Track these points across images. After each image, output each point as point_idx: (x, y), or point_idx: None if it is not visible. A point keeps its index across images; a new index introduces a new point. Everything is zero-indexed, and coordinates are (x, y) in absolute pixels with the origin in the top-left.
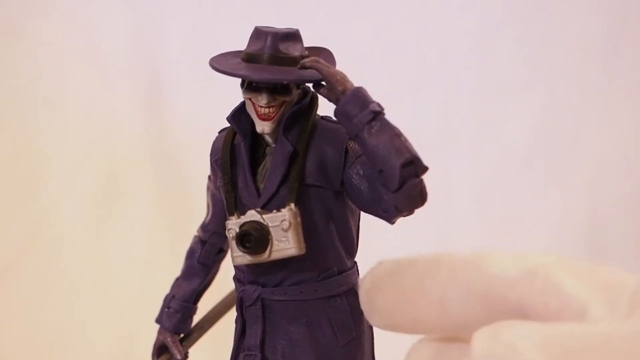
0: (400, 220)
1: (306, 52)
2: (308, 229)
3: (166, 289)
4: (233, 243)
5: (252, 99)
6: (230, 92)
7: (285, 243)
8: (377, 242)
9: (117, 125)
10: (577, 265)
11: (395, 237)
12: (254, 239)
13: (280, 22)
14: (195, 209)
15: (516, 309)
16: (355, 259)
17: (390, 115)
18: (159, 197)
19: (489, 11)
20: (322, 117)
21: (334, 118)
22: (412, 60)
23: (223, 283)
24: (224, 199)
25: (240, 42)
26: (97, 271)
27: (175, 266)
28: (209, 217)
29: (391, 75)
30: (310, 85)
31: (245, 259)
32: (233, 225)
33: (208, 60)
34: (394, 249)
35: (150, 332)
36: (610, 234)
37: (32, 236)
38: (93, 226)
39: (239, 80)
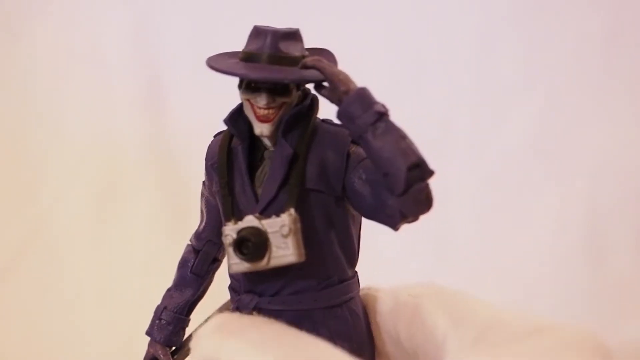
0: None
1: (307, 52)
2: (308, 236)
3: (165, 290)
4: (230, 249)
5: (251, 100)
6: (230, 93)
7: (284, 250)
8: (375, 245)
9: (116, 126)
10: (444, 297)
11: (394, 240)
12: (252, 245)
13: (278, 22)
14: (194, 210)
15: (395, 337)
16: (355, 269)
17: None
18: (158, 197)
19: (489, 12)
20: (323, 120)
21: (335, 121)
22: (412, 61)
23: (217, 293)
24: (220, 205)
25: (240, 42)
26: (97, 271)
27: (174, 266)
28: (203, 224)
29: (391, 76)
30: (311, 86)
31: (242, 266)
32: (230, 231)
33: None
34: (392, 252)
35: None
36: (610, 234)
37: (32, 236)
38: (93, 227)
39: (239, 80)
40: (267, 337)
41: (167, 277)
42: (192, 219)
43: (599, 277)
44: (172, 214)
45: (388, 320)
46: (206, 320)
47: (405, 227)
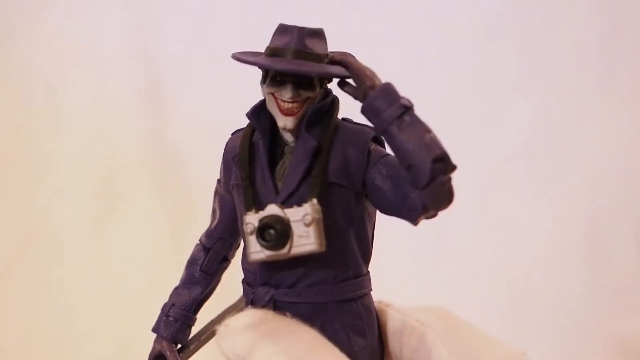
0: (399, 223)
1: (329, 52)
2: (328, 228)
3: (166, 288)
4: (251, 238)
5: (275, 94)
6: (230, 92)
7: (306, 239)
8: (376, 243)
9: (116, 125)
10: (451, 334)
11: (393, 242)
12: (275, 232)
13: (276, 22)
14: (194, 208)
15: (399, 357)
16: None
17: None
18: (158, 196)
19: (488, 12)
20: (343, 119)
21: (355, 121)
22: (410, 60)
23: (222, 295)
24: (240, 196)
25: (240, 43)
26: (97, 270)
27: (174, 265)
28: (216, 222)
29: (389, 75)
30: (332, 84)
31: (263, 254)
32: (252, 219)
33: (209, 60)
34: (392, 254)
35: (149, 331)
36: (610, 233)
37: (31, 236)
38: (93, 226)
39: (240, 81)
40: (302, 348)
41: (166, 275)
42: (191, 216)
43: (599, 275)
44: (172, 211)
45: (394, 341)
46: (218, 317)
47: (404, 228)
